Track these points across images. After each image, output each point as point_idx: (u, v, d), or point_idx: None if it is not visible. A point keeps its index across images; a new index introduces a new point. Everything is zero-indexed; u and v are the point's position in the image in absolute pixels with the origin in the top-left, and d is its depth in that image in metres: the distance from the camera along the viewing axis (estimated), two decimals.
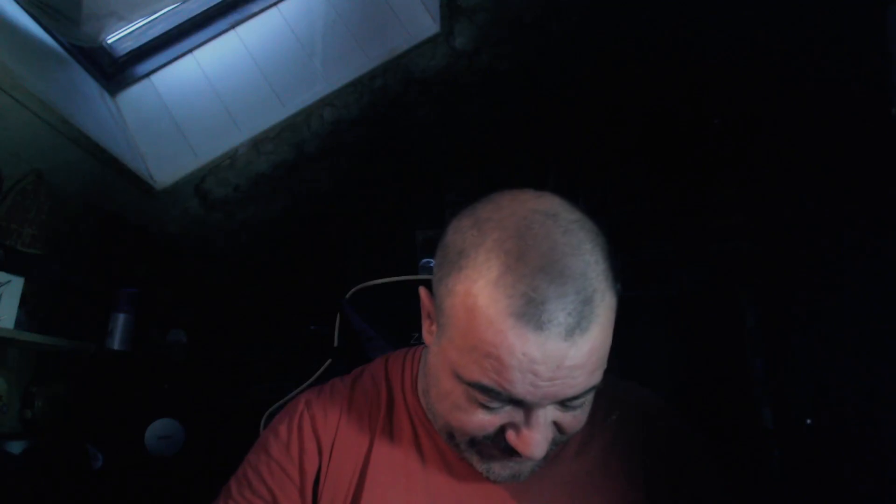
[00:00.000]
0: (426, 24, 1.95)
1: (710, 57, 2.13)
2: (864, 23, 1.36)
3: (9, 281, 1.40)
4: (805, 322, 1.98)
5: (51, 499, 1.48)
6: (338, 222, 2.47)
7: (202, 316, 2.25)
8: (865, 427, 1.64)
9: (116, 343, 1.81)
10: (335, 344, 1.15)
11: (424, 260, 2.14)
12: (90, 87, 1.73)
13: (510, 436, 0.57)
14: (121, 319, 1.82)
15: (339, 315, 1.13)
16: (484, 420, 0.57)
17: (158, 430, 1.91)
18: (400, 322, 1.00)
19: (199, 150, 1.86)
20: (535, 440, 0.55)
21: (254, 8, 1.92)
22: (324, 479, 0.68)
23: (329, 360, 1.16)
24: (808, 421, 1.92)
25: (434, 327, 0.61)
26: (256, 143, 1.91)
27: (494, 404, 0.55)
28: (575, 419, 0.58)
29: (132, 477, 1.82)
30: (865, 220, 1.71)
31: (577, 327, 0.51)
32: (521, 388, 0.52)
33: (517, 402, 0.54)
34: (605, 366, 0.56)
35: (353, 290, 1.12)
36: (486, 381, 0.53)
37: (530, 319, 0.50)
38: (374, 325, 1.07)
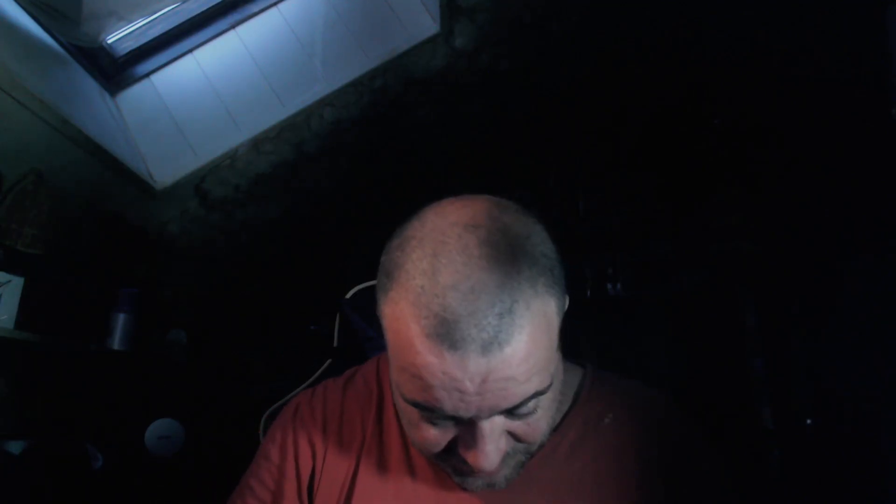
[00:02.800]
0: (426, 24, 1.95)
1: (710, 57, 2.13)
2: (864, 23, 1.36)
3: (9, 281, 1.39)
4: (805, 322, 1.98)
5: (51, 499, 1.48)
6: (338, 222, 2.46)
7: (202, 316, 2.25)
8: (865, 427, 1.64)
9: (116, 343, 1.81)
10: (335, 344, 1.15)
11: None
12: (90, 87, 1.73)
13: (462, 450, 0.57)
14: (121, 319, 1.82)
15: (339, 315, 1.14)
16: (436, 435, 0.57)
17: (158, 430, 1.91)
18: None
19: (199, 150, 1.86)
20: (483, 452, 0.55)
21: (254, 8, 1.92)
22: (318, 482, 0.68)
23: (329, 360, 1.16)
24: (808, 421, 1.92)
25: None
26: (256, 143, 1.91)
27: (437, 420, 0.55)
28: (531, 427, 0.57)
29: (132, 477, 1.82)
30: (865, 220, 1.71)
31: (493, 341, 0.50)
32: (449, 405, 0.52)
33: (455, 418, 0.54)
34: (549, 369, 0.55)
35: (353, 290, 1.12)
36: (420, 400, 0.54)
37: (444, 339, 0.50)
38: (373, 325, 1.07)
